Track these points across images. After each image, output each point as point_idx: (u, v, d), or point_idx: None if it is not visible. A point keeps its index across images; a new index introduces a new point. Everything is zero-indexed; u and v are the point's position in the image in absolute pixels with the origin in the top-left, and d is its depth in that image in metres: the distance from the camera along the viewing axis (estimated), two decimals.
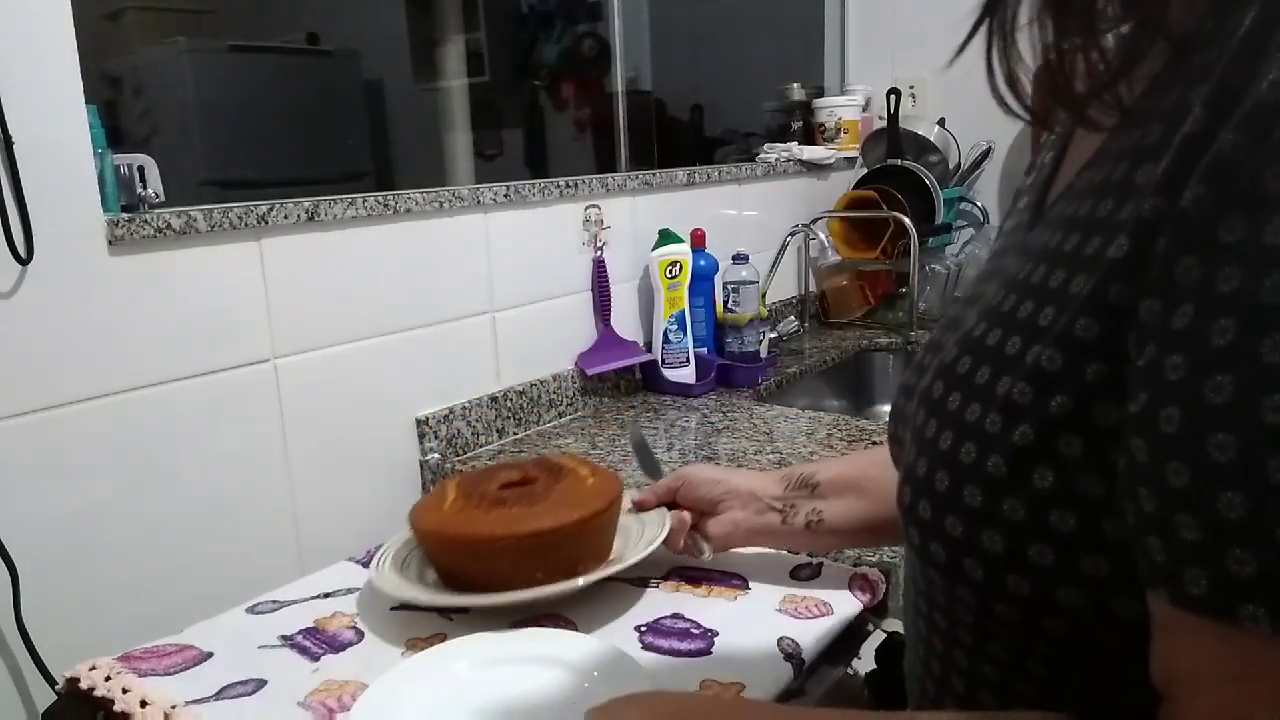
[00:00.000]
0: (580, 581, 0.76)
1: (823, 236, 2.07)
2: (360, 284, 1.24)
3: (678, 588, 0.83)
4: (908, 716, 0.53)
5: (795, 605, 0.79)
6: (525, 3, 2.66)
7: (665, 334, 1.64)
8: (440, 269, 1.34)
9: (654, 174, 1.71)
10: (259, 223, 1.11)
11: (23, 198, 0.91)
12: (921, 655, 0.48)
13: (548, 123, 2.69)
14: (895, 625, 0.79)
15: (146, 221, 1.01)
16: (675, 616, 0.78)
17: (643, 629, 0.76)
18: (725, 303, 1.76)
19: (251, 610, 0.83)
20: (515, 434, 1.45)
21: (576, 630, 0.75)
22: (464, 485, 0.83)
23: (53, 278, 0.95)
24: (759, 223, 2.00)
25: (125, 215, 1.01)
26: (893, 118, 2.09)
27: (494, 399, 1.41)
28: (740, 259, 1.78)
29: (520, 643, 0.72)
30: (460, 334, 1.38)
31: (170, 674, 0.71)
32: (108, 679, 0.69)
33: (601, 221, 1.58)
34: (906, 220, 1.92)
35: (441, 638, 0.74)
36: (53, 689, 0.91)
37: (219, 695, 0.69)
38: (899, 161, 2.08)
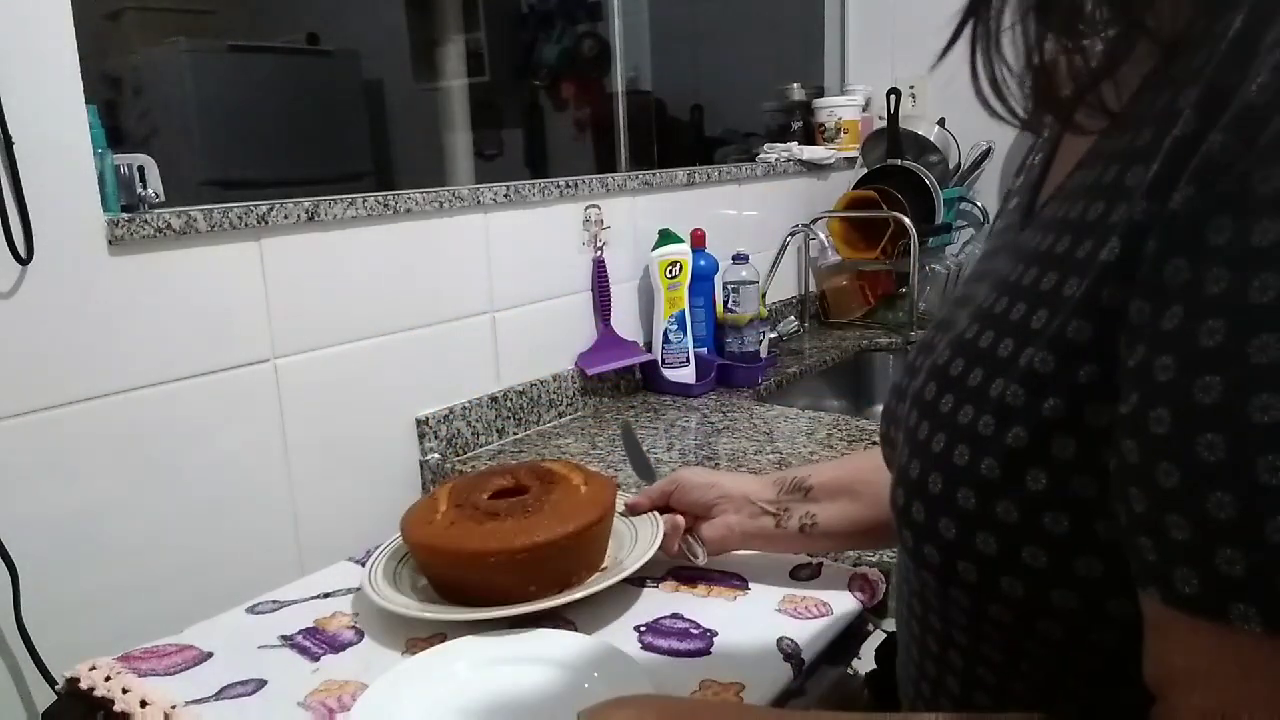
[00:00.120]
0: (575, 595, 0.75)
1: (823, 236, 2.07)
2: (360, 284, 1.24)
3: (677, 588, 0.83)
4: (901, 718, 0.53)
5: (795, 605, 0.79)
6: (525, 3, 2.66)
7: (665, 334, 1.65)
8: (440, 269, 1.34)
9: (654, 174, 1.71)
10: (259, 223, 1.11)
11: (23, 198, 0.91)
12: (915, 656, 0.48)
13: (548, 123, 2.69)
14: (895, 625, 0.79)
15: (146, 221, 1.01)
16: (674, 616, 0.78)
17: (642, 629, 0.76)
18: (725, 303, 1.77)
19: (251, 610, 0.83)
20: (515, 434, 1.45)
21: (576, 630, 0.75)
22: (455, 494, 0.83)
23: (53, 278, 0.95)
24: (759, 223, 2.00)
25: (125, 215, 1.01)
26: (893, 118, 2.09)
27: (494, 399, 1.42)
28: (740, 259, 1.78)
29: (520, 643, 0.72)
30: (460, 334, 1.38)
31: (170, 674, 0.71)
32: (108, 679, 0.69)
33: (601, 221, 1.58)
34: (906, 220, 1.92)
35: (441, 638, 0.74)
36: (53, 689, 0.92)
37: (219, 695, 0.69)
38: (899, 161, 2.08)
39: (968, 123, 2.12)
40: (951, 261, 2.18)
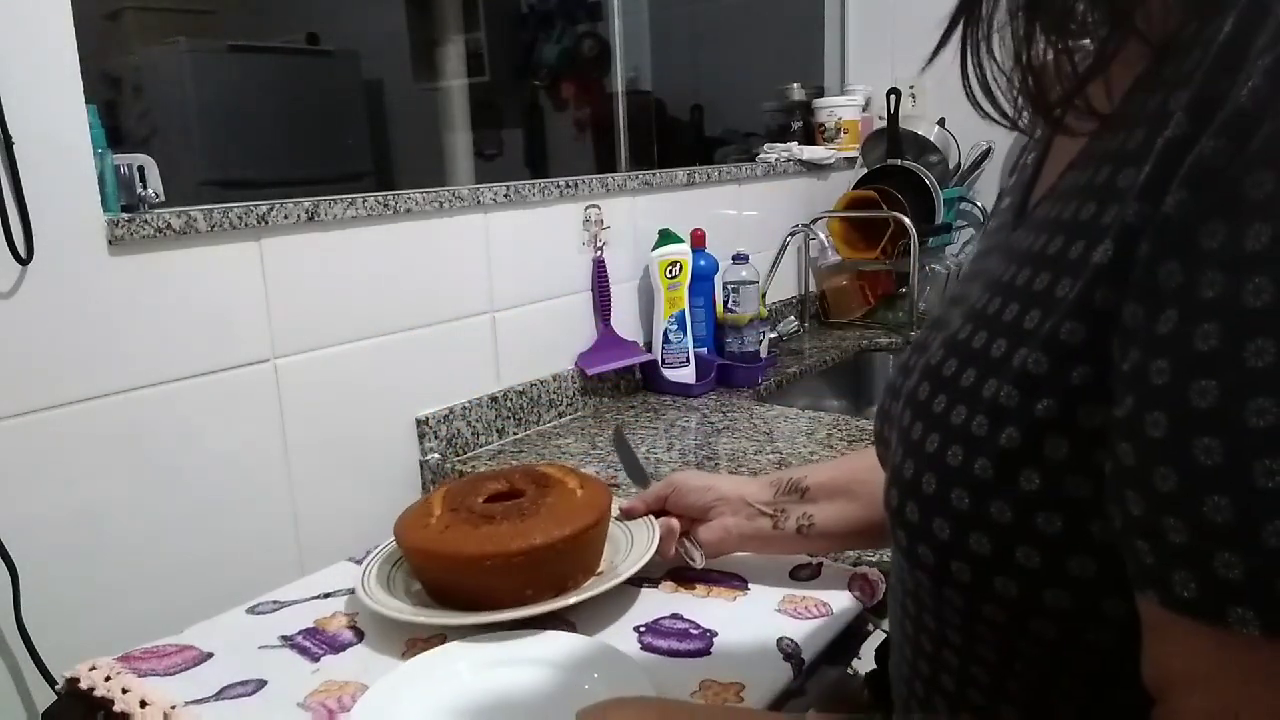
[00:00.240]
0: (571, 600, 0.75)
1: (823, 236, 2.07)
2: (360, 284, 1.24)
3: (676, 588, 0.83)
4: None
5: (795, 605, 0.79)
6: (525, 3, 2.66)
7: (665, 334, 1.65)
8: (440, 269, 1.34)
9: (654, 174, 1.71)
10: (259, 223, 1.11)
11: (23, 198, 0.91)
12: (909, 656, 0.48)
13: (548, 123, 2.69)
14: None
15: (146, 221, 1.01)
16: (674, 617, 0.78)
17: (642, 629, 0.76)
18: (725, 303, 1.77)
19: (251, 610, 0.83)
20: (515, 434, 1.45)
21: (575, 631, 0.75)
22: (450, 498, 0.82)
23: (53, 278, 0.95)
24: (759, 223, 2.00)
25: (125, 215, 1.01)
26: (893, 118, 2.09)
27: (494, 399, 1.42)
28: (740, 259, 1.78)
29: (520, 644, 0.72)
30: (460, 334, 1.38)
31: (170, 674, 0.72)
32: (108, 679, 0.69)
33: (601, 221, 1.58)
34: (906, 220, 1.92)
35: (442, 638, 0.75)
36: (53, 689, 0.92)
37: (219, 695, 0.69)
38: (899, 161, 2.08)
39: (968, 123, 2.11)
40: (951, 261, 2.18)
